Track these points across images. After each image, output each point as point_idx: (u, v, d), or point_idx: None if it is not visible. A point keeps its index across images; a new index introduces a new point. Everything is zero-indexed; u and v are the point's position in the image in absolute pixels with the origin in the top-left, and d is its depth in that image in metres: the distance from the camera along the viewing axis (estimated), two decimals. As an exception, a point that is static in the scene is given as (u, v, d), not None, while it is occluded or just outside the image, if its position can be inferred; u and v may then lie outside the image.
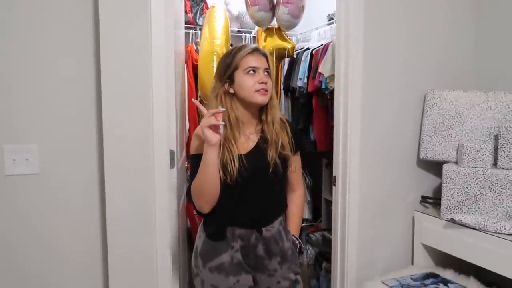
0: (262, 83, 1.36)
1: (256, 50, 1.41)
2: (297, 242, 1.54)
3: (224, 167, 1.33)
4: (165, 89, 1.64)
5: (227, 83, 1.40)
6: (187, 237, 2.41)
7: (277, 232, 1.45)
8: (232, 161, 1.33)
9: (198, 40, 3.11)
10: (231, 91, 1.40)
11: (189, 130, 2.78)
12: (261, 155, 1.40)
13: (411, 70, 2.05)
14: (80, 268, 1.70)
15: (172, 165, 1.71)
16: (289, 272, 1.47)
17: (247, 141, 1.43)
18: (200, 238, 1.48)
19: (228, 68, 1.39)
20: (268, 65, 1.42)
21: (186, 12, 2.99)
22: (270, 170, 1.40)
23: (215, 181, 1.32)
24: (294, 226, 1.56)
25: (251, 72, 1.37)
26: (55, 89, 1.61)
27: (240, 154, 1.37)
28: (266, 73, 1.40)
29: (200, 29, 3.08)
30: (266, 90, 1.38)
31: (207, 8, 3.09)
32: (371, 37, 1.93)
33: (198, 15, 3.16)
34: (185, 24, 2.86)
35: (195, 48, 3.04)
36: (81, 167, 1.67)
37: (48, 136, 1.61)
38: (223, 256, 1.39)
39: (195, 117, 2.86)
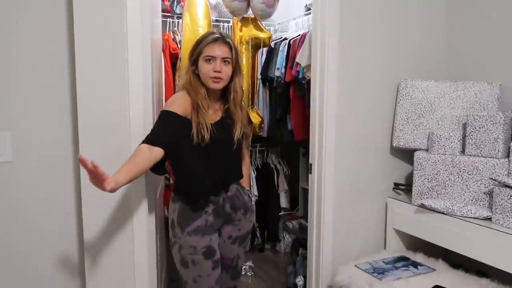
0: (216, 71, 1.55)
1: (218, 39, 1.57)
2: (251, 194, 1.84)
3: (197, 130, 1.53)
4: (141, 78, 1.63)
5: (194, 65, 1.61)
6: (165, 226, 2.41)
7: (237, 190, 1.73)
8: (205, 126, 1.53)
9: (176, 28, 3.09)
10: (197, 72, 1.61)
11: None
12: (226, 128, 1.64)
13: (385, 61, 2.10)
14: (56, 255, 1.69)
15: (149, 153, 1.70)
16: (249, 222, 1.77)
17: (214, 113, 1.64)
18: (174, 211, 1.64)
19: (194, 52, 1.60)
20: (232, 54, 1.58)
21: (163, 0, 2.96)
22: (235, 144, 1.65)
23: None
24: (247, 182, 1.88)
25: (209, 60, 1.55)
26: (28, 76, 1.58)
27: (211, 123, 1.57)
28: (225, 62, 1.57)
29: (178, 18, 3.05)
30: (220, 78, 1.56)
31: (185, -4, 3.06)
32: (347, 28, 1.97)
33: (175, 3, 3.12)
34: (162, 12, 2.83)
35: (172, 37, 3.02)
36: (56, 155, 1.65)
37: (21, 124, 1.58)
38: (198, 221, 1.59)
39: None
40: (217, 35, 1.58)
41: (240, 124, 1.66)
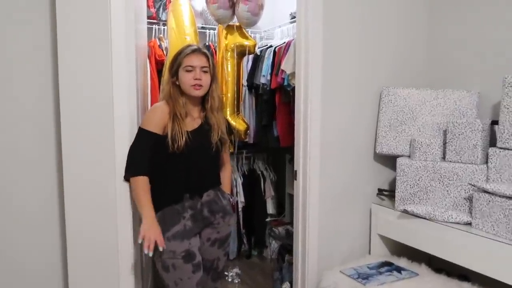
0: (196, 79, 1.65)
1: (196, 50, 1.70)
2: (231, 198, 1.90)
3: (172, 138, 1.61)
4: (126, 85, 1.64)
5: (174, 77, 1.71)
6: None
7: (215, 195, 1.78)
8: (180, 134, 1.62)
9: (162, 35, 3.09)
10: (177, 83, 1.71)
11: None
12: (204, 135, 1.72)
13: (368, 69, 2.14)
14: (38, 262, 1.67)
15: (134, 161, 1.70)
16: (228, 225, 1.81)
17: (192, 121, 1.72)
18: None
19: (174, 64, 1.71)
20: (209, 63, 1.71)
21: (148, 7, 2.96)
22: (213, 150, 1.74)
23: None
24: (227, 187, 1.94)
25: (189, 69, 1.66)
26: (11, 86, 1.57)
27: (187, 130, 1.66)
28: (203, 71, 1.68)
29: (164, 25, 3.05)
30: (201, 85, 1.67)
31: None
32: (330, 37, 2.00)
33: (161, 10, 3.12)
34: (148, 19, 2.83)
35: (158, 43, 3.02)
36: (40, 165, 1.63)
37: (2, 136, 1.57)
38: (176, 226, 1.64)
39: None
40: (195, 47, 1.71)
41: (216, 128, 1.74)
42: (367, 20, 2.12)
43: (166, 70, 2.76)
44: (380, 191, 2.22)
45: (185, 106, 1.70)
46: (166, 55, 2.91)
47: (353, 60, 2.09)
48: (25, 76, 1.59)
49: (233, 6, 2.84)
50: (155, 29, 3.05)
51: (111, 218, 1.66)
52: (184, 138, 1.62)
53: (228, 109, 2.97)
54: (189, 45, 1.75)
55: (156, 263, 1.66)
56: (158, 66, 2.95)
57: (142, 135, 1.64)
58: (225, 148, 1.87)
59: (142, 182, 1.60)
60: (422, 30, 2.32)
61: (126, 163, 1.63)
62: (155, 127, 1.63)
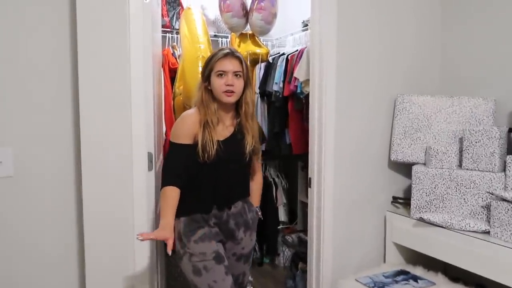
0: (228, 85, 1.59)
1: (228, 54, 1.62)
2: (259, 212, 1.84)
3: (203, 147, 1.56)
4: (143, 92, 1.66)
5: (206, 82, 1.64)
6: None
7: (242, 207, 1.72)
8: (211, 143, 1.56)
9: (175, 44, 3.12)
10: (209, 88, 1.64)
11: (165, 133, 2.79)
12: (237, 143, 1.66)
13: (382, 76, 2.14)
14: (57, 273, 1.68)
15: (150, 167, 1.72)
16: (250, 240, 1.77)
17: (224, 130, 1.66)
18: (179, 224, 1.62)
19: (206, 69, 1.65)
20: (242, 67, 1.62)
21: (162, 16, 3.00)
22: (246, 160, 1.68)
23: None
24: (256, 199, 1.87)
25: (221, 74, 1.59)
26: (30, 91, 1.60)
27: (218, 140, 1.60)
28: (236, 76, 1.61)
29: (177, 33, 3.09)
30: (233, 92, 1.60)
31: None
32: (344, 45, 2.01)
33: (174, 19, 3.17)
34: (162, 27, 2.87)
35: (172, 52, 3.05)
36: (57, 171, 1.66)
37: (23, 139, 1.60)
38: (202, 229, 1.61)
39: (172, 120, 2.87)
40: (227, 51, 1.63)
41: (250, 137, 1.68)
42: (382, 27, 2.12)
43: (183, 69, 2.79)
44: (395, 199, 2.20)
45: (217, 112, 1.64)
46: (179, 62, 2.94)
47: (368, 67, 2.09)
48: (42, 85, 1.62)
49: (246, 14, 2.87)
50: (169, 38, 3.09)
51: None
52: (215, 148, 1.56)
53: (240, 117, 2.98)
54: (221, 49, 1.67)
55: (185, 270, 1.60)
56: (172, 74, 2.99)
57: (173, 148, 1.61)
58: (257, 157, 1.79)
59: (169, 193, 1.56)
60: (437, 37, 2.31)
61: (161, 176, 1.62)
62: (184, 138, 1.59)
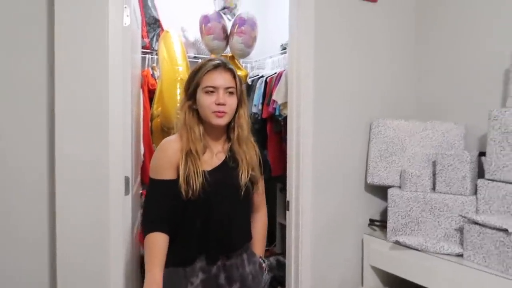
0: (219, 104, 1.28)
1: (219, 66, 1.31)
2: (263, 265, 1.45)
3: (186, 180, 1.26)
4: (121, 114, 1.64)
5: (191, 100, 1.34)
6: (140, 265, 2.35)
7: (239, 256, 1.37)
8: (195, 175, 1.26)
9: (155, 64, 3.12)
10: (195, 107, 1.34)
11: (143, 155, 2.75)
12: (229, 174, 1.34)
13: (358, 100, 2.20)
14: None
15: (127, 191, 1.69)
16: None
17: (212, 158, 1.35)
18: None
19: (191, 84, 1.34)
20: (235, 82, 1.33)
21: (142, 37, 3.01)
22: (242, 193, 1.34)
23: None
24: (260, 247, 1.49)
25: (210, 91, 1.29)
26: (7, 110, 1.56)
27: (204, 170, 1.29)
28: (228, 92, 1.31)
29: (157, 54, 3.09)
30: (224, 112, 1.30)
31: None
32: (321, 69, 2.06)
33: (154, 40, 3.17)
34: (142, 48, 2.87)
35: (151, 72, 3.05)
36: (30, 193, 1.61)
37: (-6, 162, 1.55)
38: None
39: (150, 142, 2.84)
40: (218, 62, 1.32)
41: (245, 165, 1.35)
42: (359, 53, 2.19)
43: (161, 90, 2.78)
44: (372, 222, 2.23)
45: (204, 137, 1.33)
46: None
47: (345, 91, 2.15)
48: (18, 101, 1.58)
49: (227, 37, 2.91)
50: (149, 58, 3.08)
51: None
52: (199, 180, 1.25)
53: (219, 138, 2.98)
54: (210, 59, 1.34)
55: None
56: (151, 95, 2.97)
57: (152, 186, 1.32)
58: (258, 188, 1.43)
59: (155, 241, 1.26)
60: (412, 64, 2.40)
61: (141, 220, 1.34)
62: (166, 173, 1.28)
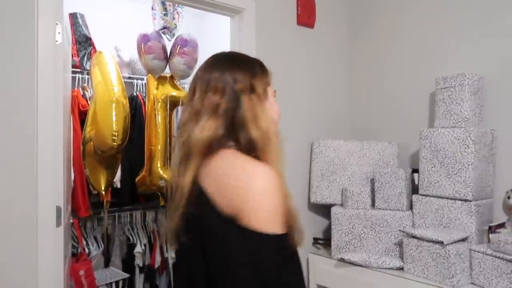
0: None
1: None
2: None
3: (291, 230, 0.82)
4: (52, 139, 1.50)
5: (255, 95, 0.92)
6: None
7: None
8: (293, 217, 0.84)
9: (86, 84, 2.94)
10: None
11: (74, 181, 2.54)
12: None
13: (300, 120, 2.25)
14: None
15: (58, 223, 1.53)
16: None
17: None
18: None
19: (261, 81, 0.96)
20: None
21: (72, 55, 2.83)
22: None
23: None
24: None
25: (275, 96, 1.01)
26: None
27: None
28: None
29: (88, 74, 2.92)
30: None
31: (96, 52, 2.97)
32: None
33: (85, 59, 3.00)
34: (72, 67, 2.70)
35: (82, 93, 2.87)
36: None
37: None
38: None
39: (81, 167, 2.64)
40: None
41: None
42: (299, 78, 2.26)
43: (89, 121, 2.61)
44: (316, 240, 2.26)
45: None
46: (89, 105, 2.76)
47: (287, 111, 2.17)
48: None
49: (167, 57, 2.84)
50: (79, 78, 2.90)
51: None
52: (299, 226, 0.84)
53: (158, 162, 2.87)
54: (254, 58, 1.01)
55: None
56: (82, 116, 2.78)
57: (283, 244, 0.78)
58: None
59: None
60: (347, 85, 2.53)
61: None
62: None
